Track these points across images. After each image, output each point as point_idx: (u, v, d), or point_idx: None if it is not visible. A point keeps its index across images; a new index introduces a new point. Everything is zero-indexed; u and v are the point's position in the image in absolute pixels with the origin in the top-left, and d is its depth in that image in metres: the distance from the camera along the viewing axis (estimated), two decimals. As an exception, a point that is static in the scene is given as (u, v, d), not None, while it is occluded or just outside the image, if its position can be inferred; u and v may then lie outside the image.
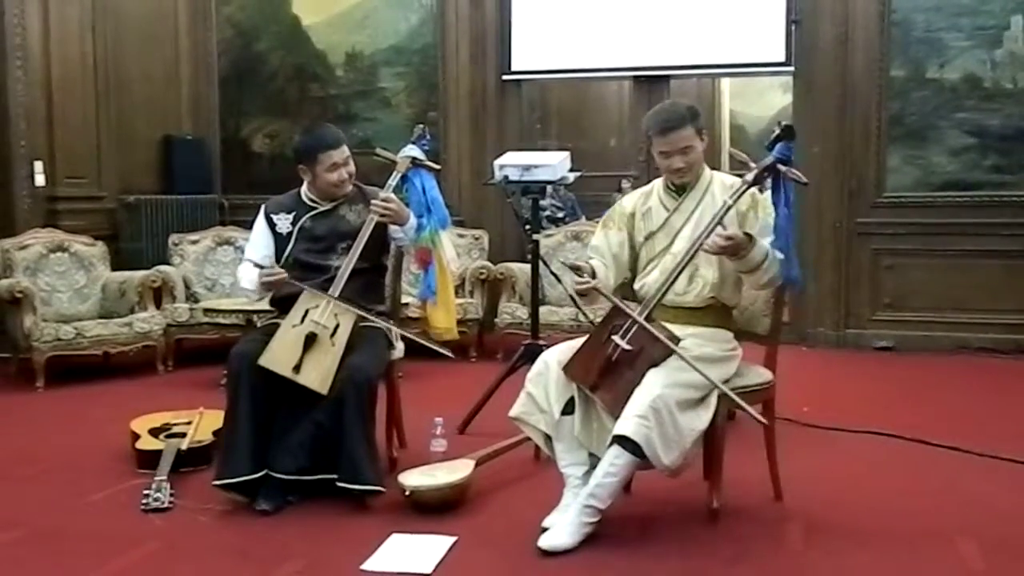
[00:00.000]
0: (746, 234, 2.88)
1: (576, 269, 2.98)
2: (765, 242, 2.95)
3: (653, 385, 2.78)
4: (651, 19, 6.72)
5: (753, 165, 2.96)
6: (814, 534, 2.99)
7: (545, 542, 2.81)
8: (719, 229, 2.86)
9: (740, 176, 3.03)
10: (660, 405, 2.74)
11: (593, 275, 3.00)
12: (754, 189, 3.01)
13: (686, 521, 3.08)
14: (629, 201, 3.27)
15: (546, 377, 2.99)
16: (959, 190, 6.22)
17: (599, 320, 3.04)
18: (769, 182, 2.95)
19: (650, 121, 3.10)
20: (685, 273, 3.02)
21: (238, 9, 7.42)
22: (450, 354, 3.49)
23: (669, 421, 2.76)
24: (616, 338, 2.88)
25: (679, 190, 3.13)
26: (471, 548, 2.88)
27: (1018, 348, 6.04)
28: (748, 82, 9.64)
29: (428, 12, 7.05)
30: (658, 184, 3.21)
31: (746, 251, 2.88)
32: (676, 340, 2.88)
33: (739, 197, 2.93)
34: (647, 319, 2.89)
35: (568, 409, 2.95)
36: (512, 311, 6.06)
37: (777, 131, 2.94)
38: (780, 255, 2.95)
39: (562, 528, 2.84)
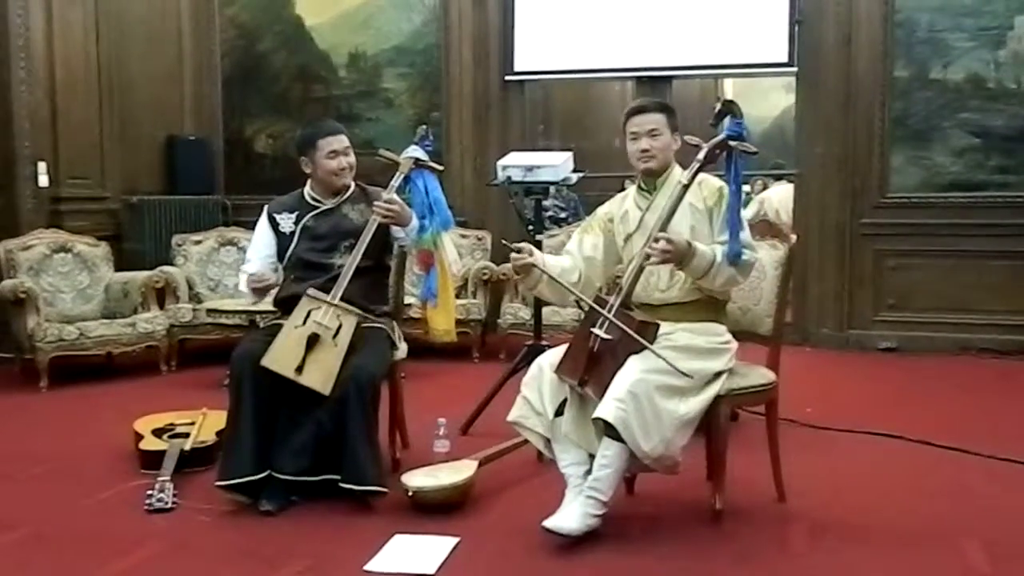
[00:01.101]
0: (688, 242, 2.86)
1: (517, 250, 3.05)
2: (712, 248, 2.93)
3: (632, 370, 2.79)
4: (654, 19, 6.72)
5: (704, 145, 2.97)
6: (817, 535, 2.98)
7: (552, 522, 2.81)
8: (660, 235, 2.85)
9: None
10: (639, 390, 2.75)
11: (529, 253, 3.05)
12: (723, 184, 3.01)
13: (689, 522, 3.07)
14: (607, 207, 3.30)
15: (539, 380, 3.01)
16: (963, 191, 6.21)
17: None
18: (722, 159, 2.95)
19: (625, 109, 3.18)
20: (665, 269, 3.03)
21: (241, 10, 7.43)
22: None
23: (648, 405, 2.75)
24: (595, 329, 2.89)
25: (650, 189, 3.14)
26: (474, 549, 2.88)
27: (1022, 349, 6.03)
28: (751, 82, 9.65)
29: (431, 13, 7.06)
30: (632, 188, 3.24)
31: (688, 259, 2.87)
32: (655, 327, 2.88)
33: (693, 176, 2.96)
34: (623, 308, 2.89)
35: (561, 410, 2.96)
36: (515, 312, 6.07)
37: (718, 107, 2.95)
38: (744, 232, 2.94)
39: (568, 514, 2.83)
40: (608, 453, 2.82)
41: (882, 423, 4.24)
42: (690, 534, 2.98)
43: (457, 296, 5.86)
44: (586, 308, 3.07)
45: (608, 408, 2.74)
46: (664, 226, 2.91)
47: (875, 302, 6.44)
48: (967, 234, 6.17)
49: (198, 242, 6.44)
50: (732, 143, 2.91)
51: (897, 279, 6.38)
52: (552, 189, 5.39)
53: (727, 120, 2.93)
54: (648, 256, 2.88)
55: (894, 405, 4.83)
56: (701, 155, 2.95)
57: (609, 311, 2.89)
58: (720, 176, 3.04)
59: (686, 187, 2.95)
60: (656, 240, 2.85)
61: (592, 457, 2.93)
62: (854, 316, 6.48)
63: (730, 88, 10.14)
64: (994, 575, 2.71)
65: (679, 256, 2.86)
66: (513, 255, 3.07)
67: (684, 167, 3.15)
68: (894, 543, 2.92)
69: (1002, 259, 6.12)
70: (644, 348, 2.82)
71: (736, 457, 3.11)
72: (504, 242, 3.25)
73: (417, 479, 3.22)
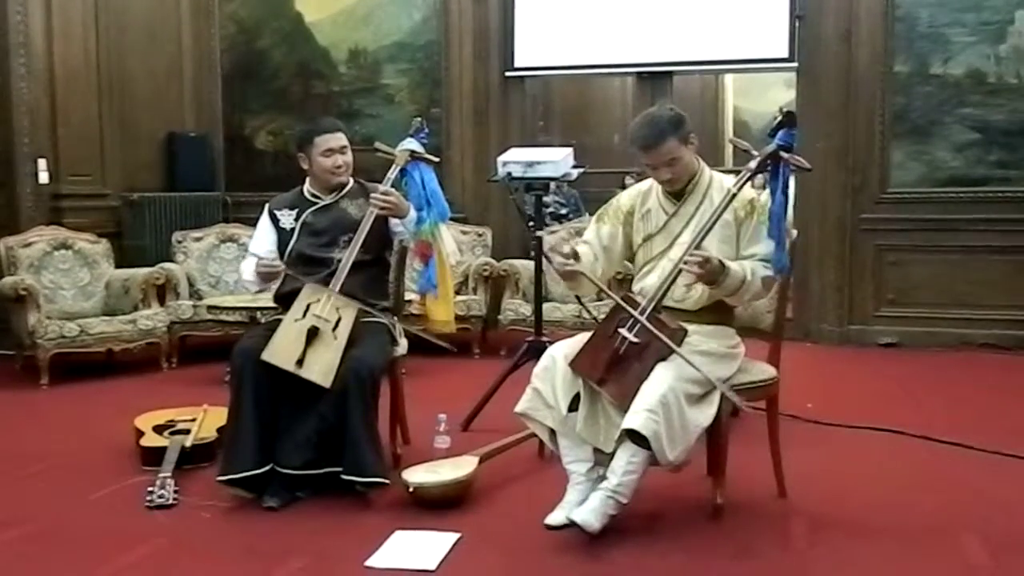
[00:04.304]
0: (720, 262, 2.84)
1: (565, 255, 3.00)
2: (742, 265, 2.92)
3: (663, 379, 2.78)
4: (655, 15, 6.71)
5: (756, 153, 2.95)
6: (818, 530, 2.99)
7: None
8: (697, 253, 2.83)
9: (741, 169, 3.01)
10: (670, 399, 2.74)
11: (575, 257, 3.01)
12: (755, 194, 3.00)
13: (690, 518, 3.08)
14: (627, 198, 3.25)
15: (553, 372, 2.98)
16: (963, 186, 6.21)
17: (604, 315, 3.04)
18: (769, 169, 2.94)
19: (632, 136, 3.08)
20: (684, 280, 3.01)
21: (241, 6, 7.42)
22: (451, 347, 3.51)
23: (677, 416, 2.76)
24: (623, 331, 2.88)
25: (678, 194, 3.12)
26: (475, 544, 2.88)
27: (1022, 344, 6.03)
28: (752, 78, 9.63)
29: (431, 8, 7.05)
30: (658, 186, 3.17)
31: (721, 279, 2.86)
32: (684, 332, 2.88)
33: (742, 185, 2.93)
34: (654, 313, 2.89)
35: (573, 406, 2.94)
36: (515, 308, 6.06)
37: (779, 118, 2.92)
38: (772, 244, 2.92)
39: (589, 511, 2.80)
40: (635, 460, 2.81)
41: (882, 418, 4.24)
42: (691, 529, 2.98)
43: (458, 292, 5.90)
44: (588, 303, 3.07)
45: (639, 419, 2.72)
46: (704, 237, 2.88)
47: (875, 297, 6.44)
48: (968, 229, 6.16)
49: (198, 239, 6.43)
50: (783, 154, 2.89)
51: (897, 274, 6.38)
52: (552, 185, 5.40)
53: (781, 131, 2.90)
54: (681, 271, 2.87)
55: (894, 400, 4.83)
56: (753, 164, 2.92)
57: (641, 314, 2.88)
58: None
59: (734, 196, 2.92)
60: (692, 256, 2.82)
61: (597, 452, 2.93)
62: (854, 311, 6.48)
63: (730, 84, 10.14)
64: (994, 569, 2.71)
65: (712, 276, 2.84)
66: (559, 260, 3.00)
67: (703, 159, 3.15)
68: (894, 537, 2.92)
69: (1003, 254, 6.12)
70: (673, 354, 2.80)
71: (737, 453, 3.11)
72: (552, 247, 3.16)
73: (418, 475, 3.22)
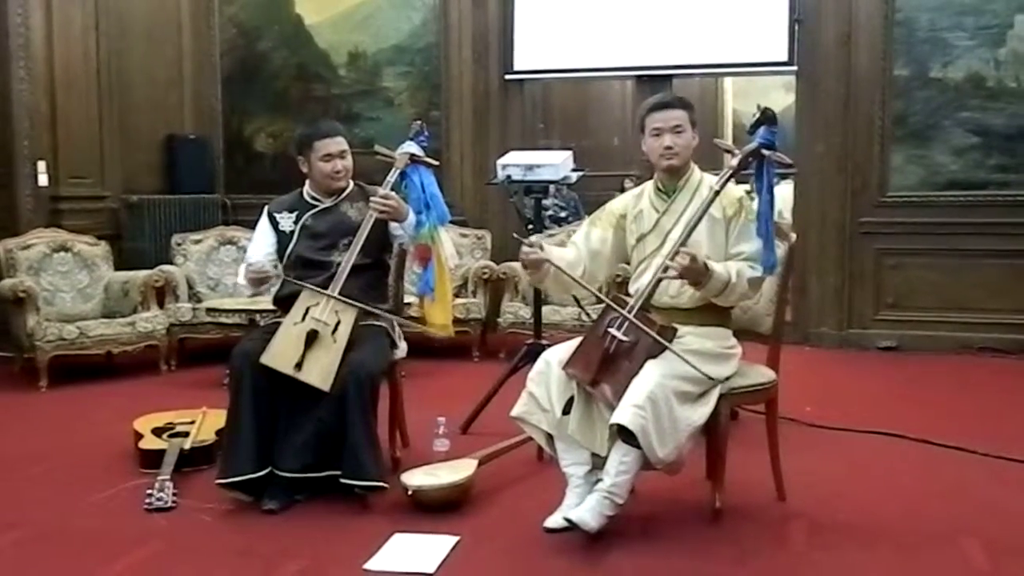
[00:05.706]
0: (704, 264, 2.85)
1: (529, 244, 3.02)
2: (727, 267, 2.92)
3: (651, 375, 2.78)
4: (654, 18, 6.71)
5: (737, 152, 2.95)
6: (817, 534, 2.99)
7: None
8: (685, 251, 2.83)
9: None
10: (658, 395, 2.74)
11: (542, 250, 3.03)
12: (744, 195, 3.00)
13: (689, 521, 3.07)
14: (620, 202, 3.27)
15: (547, 376, 2.98)
16: (963, 189, 6.21)
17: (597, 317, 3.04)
18: (752, 168, 2.94)
19: (646, 103, 3.16)
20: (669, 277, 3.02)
21: (241, 9, 7.43)
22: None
23: (666, 412, 2.76)
24: (612, 330, 2.88)
25: (668, 192, 3.12)
26: (474, 548, 2.88)
27: (1022, 348, 6.03)
28: (751, 81, 9.62)
29: (431, 11, 7.06)
30: (649, 186, 3.20)
31: (705, 281, 2.87)
32: (673, 331, 2.88)
33: (725, 183, 2.94)
34: (642, 312, 2.89)
35: (568, 409, 2.94)
36: (515, 311, 6.06)
37: (757, 115, 2.92)
38: (759, 243, 2.92)
39: (586, 510, 2.81)
40: (627, 459, 2.81)
41: (882, 422, 4.24)
42: (690, 533, 2.98)
43: (457, 295, 5.90)
44: (588, 306, 3.07)
45: (627, 414, 2.72)
46: (689, 235, 2.89)
47: (875, 301, 6.44)
48: (967, 233, 6.16)
49: (198, 241, 6.44)
50: (765, 152, 2.89)
51: (897, 278, 6.38)
52: (552, 188, 5.39)
53: (762, 129, 2.90)
54: (667, 268, 2.87)
55: (894, 404, 4.83)
56: (734, 162, 2.92)
57: (629, 312, 2.88)
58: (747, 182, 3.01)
59: (717, 193, 2.92)
60: (678, 256, 2.83)
61: (594, 456, 2.93)
62: (854, 315, 6.48)
63: (730, 87, 10.13)
64: (994, 573, 2.71)
65: (696, 276, 2.85)
66: (524, 249, 3.03)
67: (700, 166, 3.15)
68: (894, 541, 2.92)
69: (1002, 258, 6.12)
70: (663, 351, 2.80)
71: (736, 456, 3.11)
72: (515, 235, 3.22)
73: (417, 478, 3.22)
